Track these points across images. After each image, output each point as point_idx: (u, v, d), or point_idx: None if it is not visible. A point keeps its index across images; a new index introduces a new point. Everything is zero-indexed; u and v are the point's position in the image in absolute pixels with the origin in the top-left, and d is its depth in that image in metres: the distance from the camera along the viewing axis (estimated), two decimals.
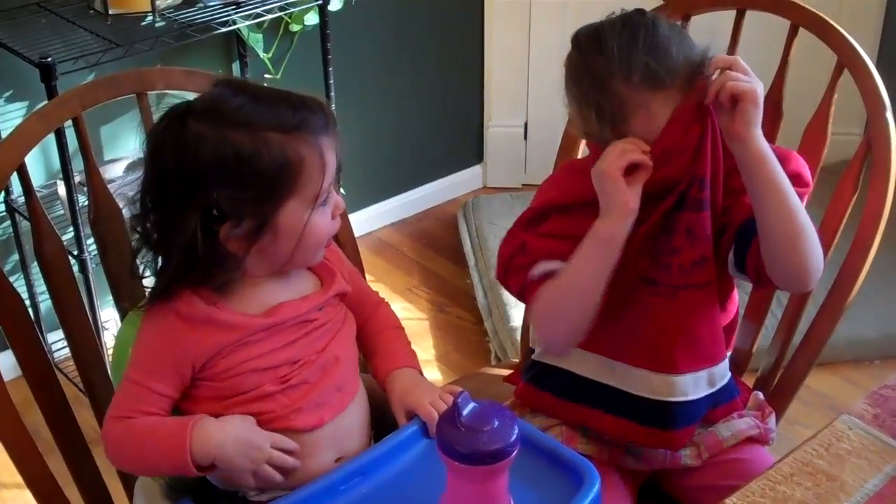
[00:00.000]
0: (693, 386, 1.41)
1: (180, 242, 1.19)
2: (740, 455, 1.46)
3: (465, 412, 1.07)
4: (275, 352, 1.25)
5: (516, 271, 1.40)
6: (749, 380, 1.65)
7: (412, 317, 2.88)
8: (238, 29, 2.58)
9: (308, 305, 1.28)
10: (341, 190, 1.35)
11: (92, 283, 2.35)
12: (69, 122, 1.42)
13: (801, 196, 1.34)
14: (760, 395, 1.56)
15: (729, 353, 1.47)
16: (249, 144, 1.18)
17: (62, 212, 2.44)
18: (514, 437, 1.05)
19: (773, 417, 1.52)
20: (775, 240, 1.32)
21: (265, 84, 2.77)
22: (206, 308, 1.23)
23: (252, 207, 1.19)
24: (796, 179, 1.35)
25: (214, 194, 1.18)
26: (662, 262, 1.37)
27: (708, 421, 1.46)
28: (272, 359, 1.25)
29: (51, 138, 2.18)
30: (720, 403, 1.46)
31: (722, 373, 1.45)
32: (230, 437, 1.20)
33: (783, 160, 1.33)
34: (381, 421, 1.35)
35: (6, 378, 1.33)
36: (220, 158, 1.17)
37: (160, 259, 1.24)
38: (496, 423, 1.06)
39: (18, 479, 1.36)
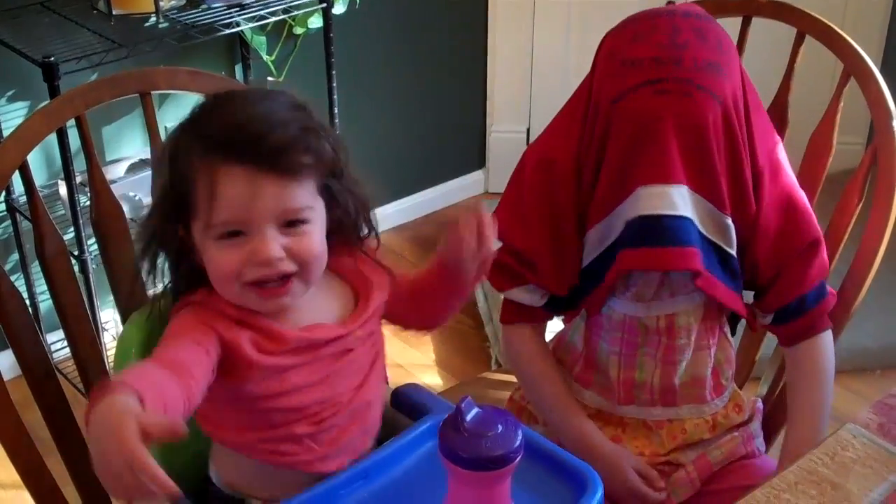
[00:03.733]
0: (681, 200, 1.33)
1: (167, 248, 1.18)
2: (744, 481, 1.43)
3: (468, 417, 1.06)
4: (310, 388, 1.18)
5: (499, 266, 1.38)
6: (751, 389, 1.64)
7: None
8: (241, 31, 2.58)
9: (345, 330, 1.20)
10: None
11: (92, 284, 2.35)
12: (72, 122, 1.42)
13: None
14: (760, 403, 1.56)
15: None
16: (176, 150, 1.14)
17: (63, 211, 2.43)
18: (517, 442, 1.04)
19: (756, 423, 1.53)
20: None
21: (268, 86, 2.77)
22: (237, 311, 1.15)
23: (178, 215, 1.15)
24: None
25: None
26: (673, 55, 1.30)
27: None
28: (306, 395, 1.18)
29: (52, 138, 2.18)
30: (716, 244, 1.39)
31: (719, 222, 1.38)
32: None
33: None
34: (386, 430, 1.34)
35: (5, 377, 1.32)
36: (163, 158, 1.17)
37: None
38: (499, 428, 1.05)
39: (16, 478, 1.35)
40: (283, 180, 1.10)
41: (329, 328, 1.19)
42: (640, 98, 1.30)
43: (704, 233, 1.36)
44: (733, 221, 1.38)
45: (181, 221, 1.15)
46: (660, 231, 1.33)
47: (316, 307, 1.20)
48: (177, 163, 1.14)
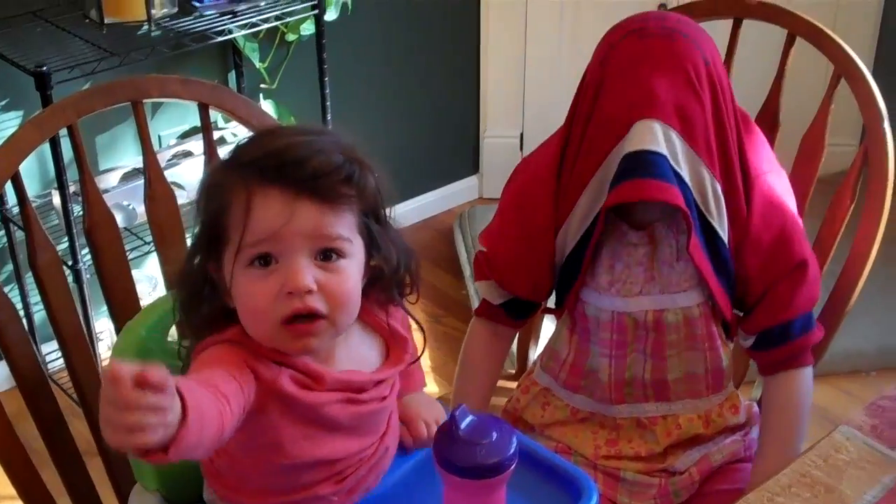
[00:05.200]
0: (664, 137, 1.32)
1: (197, 286, 1.13)
2: (736, 484, 1.45)
3: (462, 425, 1.06)
4: (344, 437, 1.15)
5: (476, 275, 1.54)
6: (746, 391, 1.64)
7: None
8: (234, 38, 2.58)
9: (381, 376, 1.17)
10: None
11: (86, 294, 2.34)
12: (64, 132, 1.42)
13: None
14: (756, 406, 1.56)
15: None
16: (213, 183, 1.11)
17: (57, 221, 2.43)
18: (512, 450, 1.04)
19: (756, 428, 1.52)
20: None
21: (261, 95, 2.77)
22: (274, 352, 1.09)
23: (209, 248, 1.11)
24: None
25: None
26: (658, 15, 1.36)
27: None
28: (339, 445, 1.15)
29: (46, 148, 2.18)
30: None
31: (713, 188, 1.36)
32: None
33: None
34: None
35: (0, 389, 1.32)
36: (200, 196, 1.12)
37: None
38: (494, 435, 1.05)
39: (11, 490, 1.35)
40: (321, 206, 1.06)
41: (366, 375, 1.15)
42: (626, 45, 1.34)
43: (697, 201, 1.35)
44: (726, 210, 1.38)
45: (213, 256, 1.10)
46: (643, 164, 1.31)
47: (352, 357, 1.16)
48: (213, 194, 1.09)
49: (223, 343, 1.10)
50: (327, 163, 1.06)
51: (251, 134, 1.17)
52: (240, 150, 1.12)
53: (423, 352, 1.24)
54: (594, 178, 1.37)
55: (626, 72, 1.33)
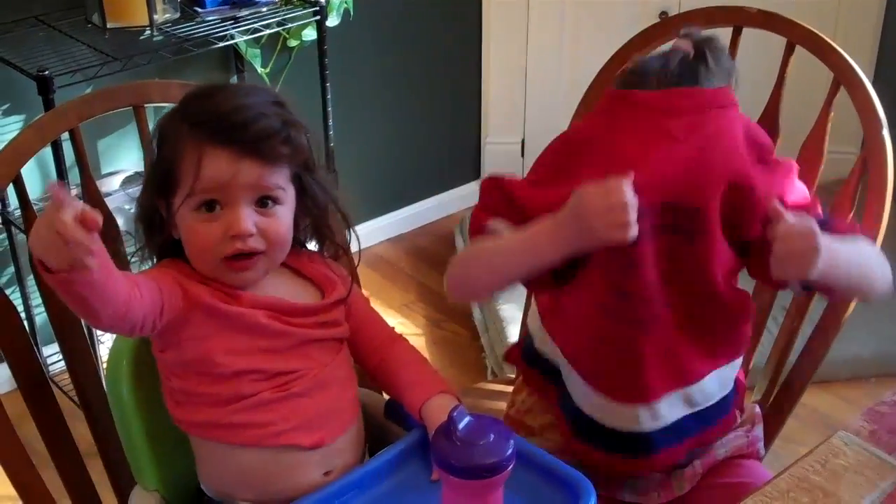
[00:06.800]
0: (668, 409, 1.37)
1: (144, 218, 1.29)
2: (736, 478, 1.45)
3: (460, 426, 1.06)
4: (271, 356, 1.25)
5: (485, 208, 1.36)
6: (747, 395, 1.64)
7: (408, 332, 2.87)
8: (236, 44, 2.59)
9: (310, 307, 1.30)
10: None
11: None
12: (66, 136, 1.42)
13: (807, 208, 1.32)
14: (758, 407, 1.56)
15: (734, 370, 1.43)
16: (165, 132, 1.26)
17: None
18: (509, 451, 1.05)
19: (760, 427, 1.52)
20: (851, 293, 1.44)
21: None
22: (203, 276, 1.26)
23: (161, 188, 1.25)
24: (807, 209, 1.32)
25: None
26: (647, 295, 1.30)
27: (705, 441, 1.44)
28: (270, 362, 1.24)
29: (48, 151, 2.18)
30: (712, 421, 1.44)
31: (705, 391, 1.40)
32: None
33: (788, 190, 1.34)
34: (379, 441, 1.34)
35: (1, 391, 1.33)
36: (153, 140, 1.29)
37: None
38: (492, 437, 1.06)
39: (12, 491, 1.36)
40: (262, 164, 1.23)
41: (290, 302, 1.28)
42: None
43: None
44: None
45: (164, 196, 1.26)
46: (622, 442, 1.38)
47: (279, 291, 1.30)
48: (165, 143, 1.26)
49: (158, 267, 1.30)
50: (268, 127, 1.23)
51: (198, 87, 1.33)
52: (188, 105, 1.27)
53: (355, 269, 1.40)
54: None
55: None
